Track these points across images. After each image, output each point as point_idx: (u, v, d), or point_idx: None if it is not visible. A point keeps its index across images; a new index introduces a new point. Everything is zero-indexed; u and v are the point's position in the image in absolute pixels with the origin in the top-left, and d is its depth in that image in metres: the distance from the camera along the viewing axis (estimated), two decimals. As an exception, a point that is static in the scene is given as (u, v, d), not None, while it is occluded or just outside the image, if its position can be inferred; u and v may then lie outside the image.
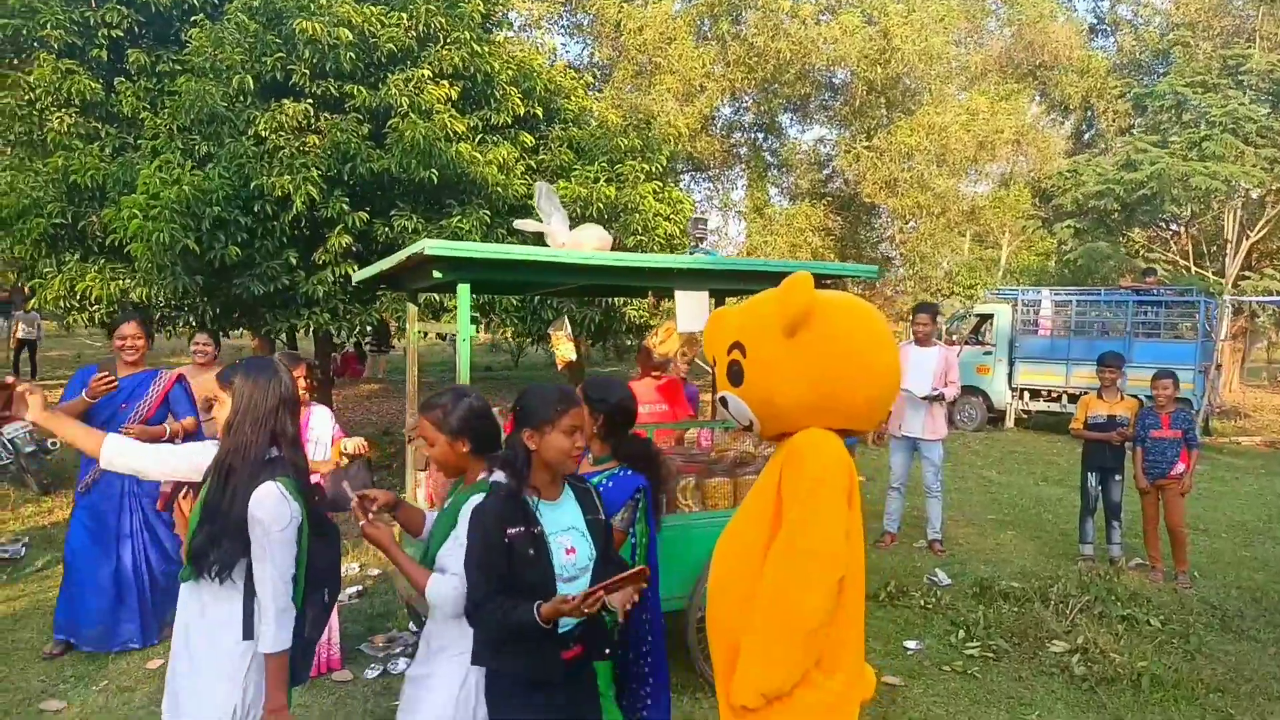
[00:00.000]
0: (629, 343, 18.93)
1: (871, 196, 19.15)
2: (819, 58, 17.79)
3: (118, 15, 7.52)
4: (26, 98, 7.43)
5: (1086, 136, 26.15)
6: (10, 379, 2.63)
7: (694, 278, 4.52)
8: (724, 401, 2.57)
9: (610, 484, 3.05)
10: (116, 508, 4.74)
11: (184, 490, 4.57)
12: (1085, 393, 7.94)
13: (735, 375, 2.48)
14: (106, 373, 4.36)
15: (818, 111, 21.42)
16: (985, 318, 15.66)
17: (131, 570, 4.74)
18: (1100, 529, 7.01)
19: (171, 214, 6.54)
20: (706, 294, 4.68)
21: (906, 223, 20.53)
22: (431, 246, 3.76)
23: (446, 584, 2.50)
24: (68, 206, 7.37)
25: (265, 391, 2.51)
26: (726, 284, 4.78)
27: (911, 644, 5.15)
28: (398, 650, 4.91)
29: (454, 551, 2.51)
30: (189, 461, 2.68)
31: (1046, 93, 24.60)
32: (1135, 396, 7.18)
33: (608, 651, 2.66)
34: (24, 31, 7.38)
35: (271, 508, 2.42)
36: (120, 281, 7.22)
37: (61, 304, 7.37)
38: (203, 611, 2.52)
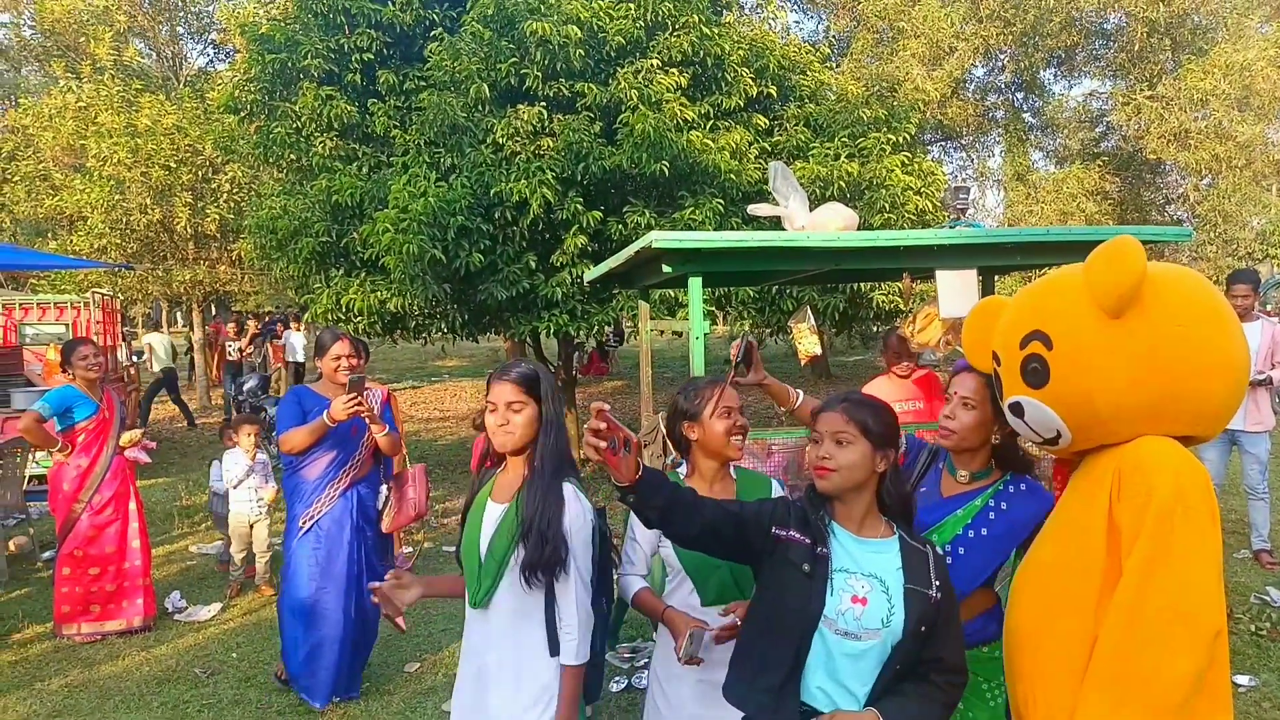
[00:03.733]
0: (875, 330, 17.96)
1: (1157, 152, 16.86)
2: (1088, 2, 15.85)
3: (368, 39, 7.92)
4: (294, 125, 8.03)
5: None
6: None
7: (959, 254, 3.90)
8: (1017, 409, 2.01)
9: (1004, 506, 2.34)
10: (347, 545, 4.17)
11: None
12: None
13: (1036, 374, 1.91)
14: (355, 393, 3.89)
15: (1087, 63, 19.22)
16: (1310, 283, 13.26)
17: (356, 617, 4.22)
18: None
19: (419, 226, 6.76)
20: (974, 273, 4.01)
21: (1201, 179, 17.88)
22: (659, 239, 3.50)
23: None
24: (332, 225, 7.88)
25: (559, 396, 2.42)
26: (999, 259, 4.08)
27: (1242, 680, 4.27)
28: (642, 663, 4.67)
29: None
30: None
31: (1377, 13, 20.55)
32: None
33: None
34: (289, 63, 7.97)
35: (572, 509, 2.27)
36: (379, 293, 7.59)
37: (329, 317, 7.89)
38: (507, 634, 2.34)
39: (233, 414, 14.05)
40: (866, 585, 1.92)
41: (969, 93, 19.24)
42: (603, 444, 1.85)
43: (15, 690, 4.50)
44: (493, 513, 2.36)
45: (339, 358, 4.12)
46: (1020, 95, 20.29)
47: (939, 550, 2.05)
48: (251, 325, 15.50)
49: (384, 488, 4.48)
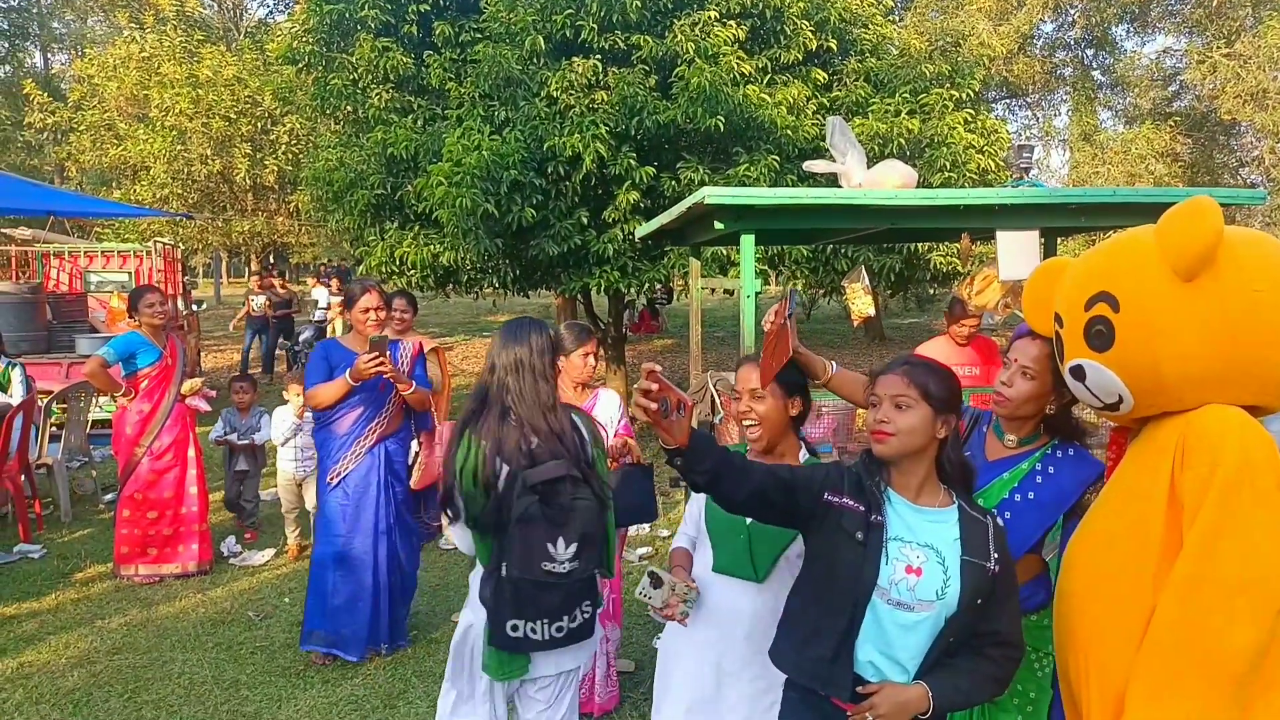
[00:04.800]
0: (932, 292, 17.62)
1: (1232, 113, 16.17)
2: (1165, -47, 15.17)
3: (424, -10, 7.90)
4: (351, 77, 8.07)
5: None
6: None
7: (1020, 214, 3.82)
8: (1078, 373, 1.96)
9: (1051, 470, 2.29)
10: (374, 501, 4.15)
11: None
12: None
13: (1101, 336, 1.86)
14: (377, 353, 3.85)
15: (1161, 19, 18.45)
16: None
17: (387, 569, 4.21)
18: None
19: (473, 179, 6.76)
20: (1035, 234, 3.92)
21: (1278, 141, 17.14)
22: (711, 195, 3.47)
23: None
24: (387, 178, 7.93)
25: (510, 352, 2.53)
26: (1062, 221, 3.99)
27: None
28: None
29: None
30: None
31: None
32: None
33: None
34: (346, 14, 7.98)
35: None
36: (432, 247, 7.65)
37: (383, 269, 7.98)
38: None
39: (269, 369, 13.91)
40: (921, 555, 1.87)
41: (1036, 49, 18.62)
42: (653, 405, 1.80)
43: (78, 627, 4.65)
44: None
45: (367, 310, 4.04)
46: (1090, 52, 19.58)
47: (1000, 521, 1.98)
48: (278, 283, 14.47)
49: (415, 443, 4.41)
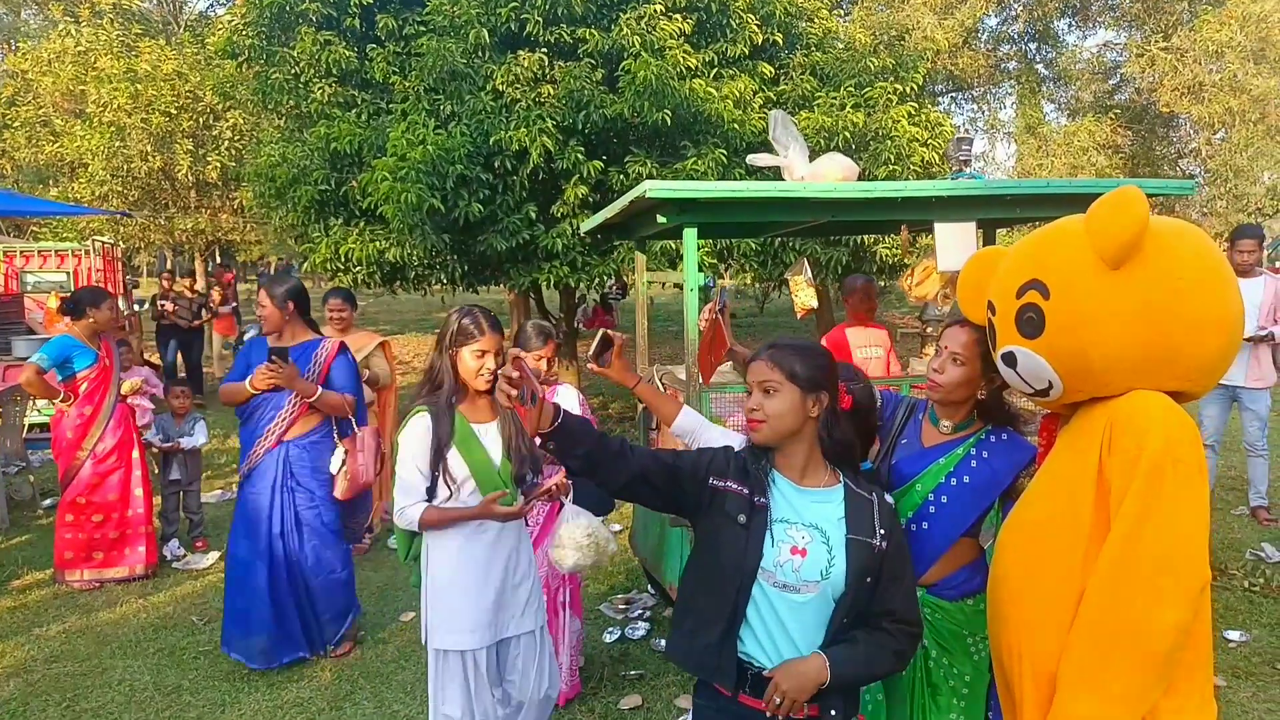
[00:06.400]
0: (881, 284, 17.83)
1: (1170, 105, 16.56)
2: (1103, -52, 15.47)
3: (367, -18, 7.76)
4: (292, 71, 7.90)
5: None
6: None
7: (958, 206, 3.85)
8: (1010, 359, 1.99)
9: (985, 454, 2.32)
10: (269, 504, 4.05)
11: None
12: None
13: (1032, 324, 1.89)
14: (274, 364, 3.83)
15: (1102, 13, 18.81)
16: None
17: (288, 575, 4.10)
18: None
19: (418, 174, 6.68)
20: (973, 225, 3.96)
21: (1214, 133, 17.61)
22: (654, 189, 3.45)
23: None
24: (331, 173, 7.78)
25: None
26: (998, 212, 4.03)
27: (1234, 635, 4.32)
28: (636, 613, 4.73)
29: None
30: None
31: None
32: None
33: None
34: (286, 7, 7.81)
35: None
36: (377, 243, 7.53)
37: (329, 266, 7.84)
38: (514, 529, 2.99)
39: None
40: (806, 536, 1.89)
41: (981, 43, 18.87)
42: (513, 391, 1.89)
43: (13, 636, 4.56)
44: (488, 435, 2.82)
45: (264, 306, 4.02)
46: (1033, 46, 19.90)
47: (888, 499, 2.01)
48: (184, 285, 12.56)
49: (340, 450, 4.21)
